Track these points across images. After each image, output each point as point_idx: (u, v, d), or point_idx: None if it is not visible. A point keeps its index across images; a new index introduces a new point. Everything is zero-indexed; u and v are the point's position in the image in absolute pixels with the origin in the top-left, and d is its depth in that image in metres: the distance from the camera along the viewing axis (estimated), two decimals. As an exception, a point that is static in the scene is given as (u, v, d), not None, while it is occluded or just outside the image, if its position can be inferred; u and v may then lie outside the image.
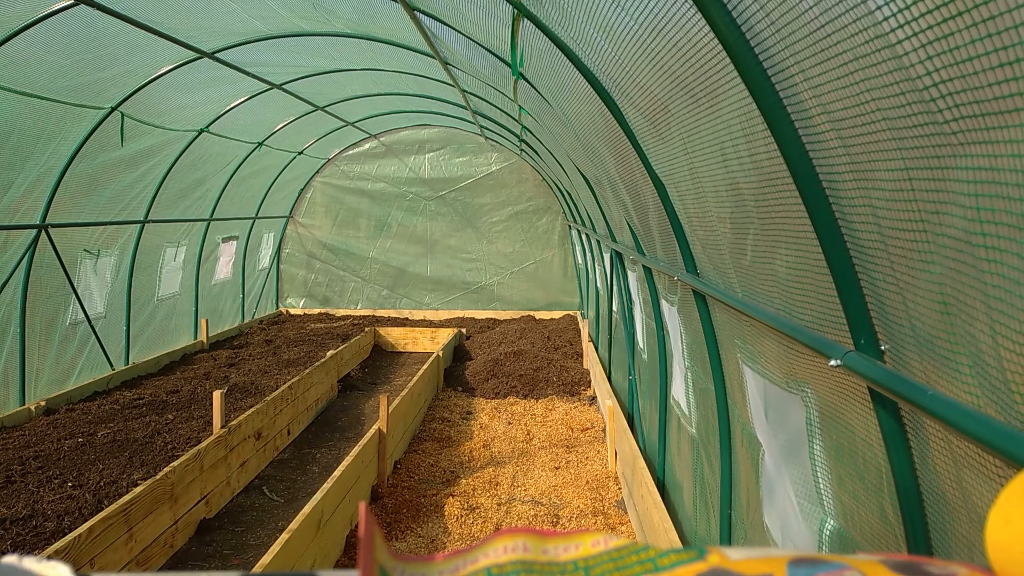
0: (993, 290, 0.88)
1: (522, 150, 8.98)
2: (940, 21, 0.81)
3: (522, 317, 10.26)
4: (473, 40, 3.93)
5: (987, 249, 0.87)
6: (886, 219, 1.15)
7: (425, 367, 6.44)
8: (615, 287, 5.80)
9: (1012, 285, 0.84)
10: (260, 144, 8.16)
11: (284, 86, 6.70)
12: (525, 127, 6.26)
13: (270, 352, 7.84)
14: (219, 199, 8.22)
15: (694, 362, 3.14)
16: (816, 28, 1.11)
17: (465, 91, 6.27)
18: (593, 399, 6.47)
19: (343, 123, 8.99)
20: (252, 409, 4.97)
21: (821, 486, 1.72)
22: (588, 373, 7.05)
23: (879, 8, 0.93)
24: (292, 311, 10.70)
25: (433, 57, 5.07)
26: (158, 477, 3.69)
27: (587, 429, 5.66)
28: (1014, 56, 0.71)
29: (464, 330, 9.21)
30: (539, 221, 10.47)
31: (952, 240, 0.96)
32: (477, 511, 4.14)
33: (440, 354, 7.11)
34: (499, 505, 4.25)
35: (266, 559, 2.88)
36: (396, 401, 5.04)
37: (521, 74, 3.71)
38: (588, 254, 8.36)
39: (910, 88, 0.93)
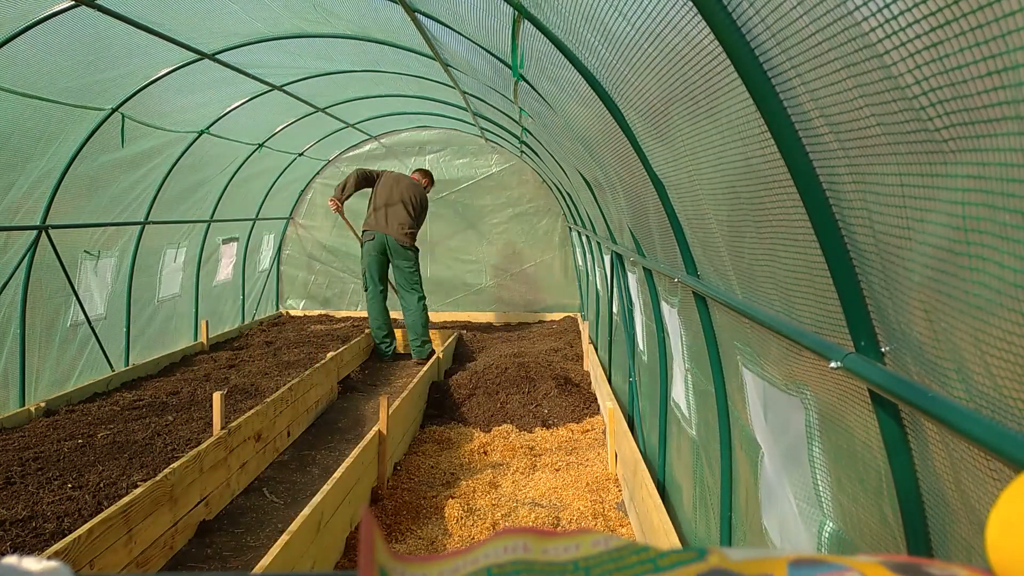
0: (975, 299, 0.89)
1: (522, 152, 8.99)
2: (928, 30, 0.82)
3: (523, 318, 10.26)
4: (473, 42, 3.93)
5: (970, 258, 0.88)
6: (879, 223, 1.16)
7: (425, 368, 6.44)
8: (615, 289, 5.80)
9: (992, 294, 0.85)
10: (261, 145, 8.16)
11: (285, 88, 6.70)
12: (525, 129, 6.27)
13: (270, 354, 7.84)
14: (219, 200, 8.23)
15: (694, 364, 3.14)
16: (808, 36, 1.12)
17: (465, 93, 6.27)
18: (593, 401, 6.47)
19: (344, 124, 9.00)
20: (252, 411, 4.97)
21: (820, 488, 1.72)
22: (588, 375, 7.05)
23: (865, 20, 0.94)
24: (292, 312, 10.70)
25: (433, 59, 5.08)
26: (158, 479, 3.69)
27: (587, 431, 5.66)
28: (1001, 65, 0.73)
29: (464, 332, 9.20)
30: (539, 223, 10.46)
31: (933, 248, 0.97)
32: (477, 513, 4.14)
33: (440, 355, 7.11)
34: (499, 507, 4.25)
35: (266, 561, 2.88)
36: (396, 403, 5.04)
37: (522, 75, 3.72)
38: (588, 256, 8.36)
39: (900, 96, 0.95)
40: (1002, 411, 0.92)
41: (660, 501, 3.39)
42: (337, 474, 3.79)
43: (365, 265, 8.11)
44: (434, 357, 6.97)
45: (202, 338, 8.12)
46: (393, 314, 9.03)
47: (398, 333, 8.75)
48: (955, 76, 0.81)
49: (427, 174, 8.68)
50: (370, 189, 8.15)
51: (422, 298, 8.11)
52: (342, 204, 8.08)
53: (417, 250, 8.16)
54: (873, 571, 0.42)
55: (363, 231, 8.15)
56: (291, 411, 5.65)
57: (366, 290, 8.22)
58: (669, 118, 2.16)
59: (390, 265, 8.12)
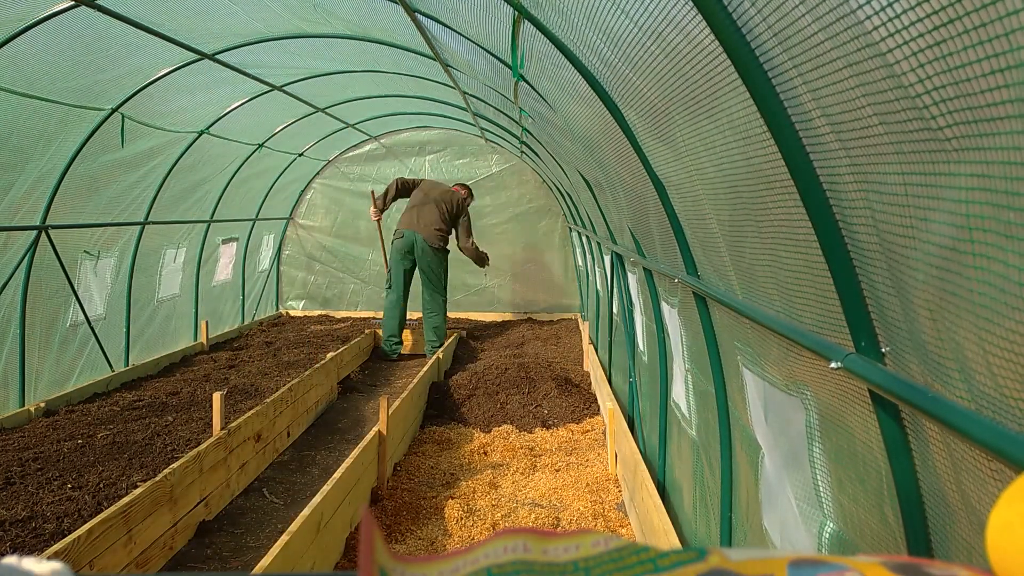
0: (980, 297, 0.89)
1: (523, 152, 8.99)
2: (932, 29, 0.82)
3: (522, 319, 10.25)
4: (473, 42, 3.93)
5: (974, 256, 0.89)
6: (884, 223, 1.15)
7: (425, 369, 6.44)
8: (615, 289, 5.80)
9: (997, 292, 0.85)
10: (261, 146, 8.16)
11: (285, 88, 6.70)
12: (525, 129, 6.27)
13: (270, 354, 7.84)
14: (219, 201, 8.23)
15: (694, 364, 3.14)
16: (811, 34, 1.12)
17: (466, 93, 6.27)
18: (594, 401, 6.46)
19: (344, 125, 9.00)
20: (252, 411, 4.97)
21: (821, 489, 1.71)
22: (588, 375, 7.05)
23: (868, 18, 0.94)
24: (292, 313, 10.70)
25: (433, 59, 5.08)
26: (157, 479, 3.69)
27: (587, 432, 5.66)
28: (1005, 63, 0.73)
29: (464, 332, 9.20)
30: (540, 223, 10.46)
31: (936, 247, 0.97)
32: (477, 513, 4.13)
33: (440, 356, 7.11)
34: (499, 507, 4.25)
35: (266, 561, 2.88)
36: (396, 403, 5.03)
37: (522, 76, 3.72)
38: (588, 256, 8.36)
39: (903, 95, 0.95)
40: (1003, 412, 0.92)
41: (660, 501, 3.39)
42: (337, 474, 3.79)
43: (391, 265, 8.34)
44: (435, 357, 6.98)
45: (202, 338, 8.12)
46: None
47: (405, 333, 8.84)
48: (958, 75, 0.81)
49: (467, 187, 8.82)
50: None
51: (445, 301, 8.35)
52: (382, 214, 8.45)
53: (446, 252, 8.32)
54: (873, 571, 0.41)
55: (395, 230, 8.33)
56: (291, 411, 5.65)
57: (388, 288, 8.41)
58: (669, 118, 2.15)
59: (415, 270, 8.30)
